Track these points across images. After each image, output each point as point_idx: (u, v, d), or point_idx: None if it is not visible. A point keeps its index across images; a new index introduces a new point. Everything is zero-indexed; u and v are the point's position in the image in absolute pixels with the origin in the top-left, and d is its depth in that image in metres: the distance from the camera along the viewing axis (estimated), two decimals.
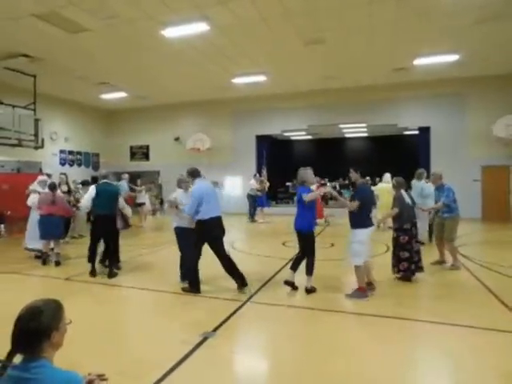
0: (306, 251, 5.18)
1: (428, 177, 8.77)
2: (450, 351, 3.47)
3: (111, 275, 6.06)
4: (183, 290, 5.23)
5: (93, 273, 6.13)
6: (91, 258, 6.22)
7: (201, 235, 5.16)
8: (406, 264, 5.67)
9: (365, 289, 4.92)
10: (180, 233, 5.59)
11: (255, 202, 13.96)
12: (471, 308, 4.57)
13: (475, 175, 13.85)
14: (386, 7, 8.26)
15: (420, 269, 5.79)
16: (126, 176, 12.90)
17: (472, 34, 9.74)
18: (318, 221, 11.32)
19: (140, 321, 4.38)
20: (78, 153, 17.52)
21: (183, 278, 5.61)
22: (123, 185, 11.91)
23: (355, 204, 4.85)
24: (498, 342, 3.60)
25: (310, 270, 5.14)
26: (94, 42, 9.96)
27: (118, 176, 12.51)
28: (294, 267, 5.23)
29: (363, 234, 4.90)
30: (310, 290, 5.12)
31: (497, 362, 3.19)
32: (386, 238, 9.44)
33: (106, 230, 6.23)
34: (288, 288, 5.20)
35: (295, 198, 5.39)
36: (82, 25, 8.82)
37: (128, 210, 6.63)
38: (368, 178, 15.27)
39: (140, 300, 5.19)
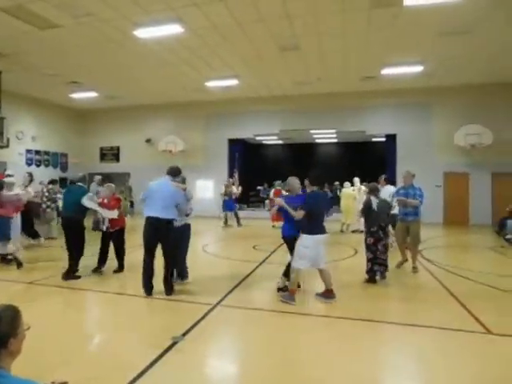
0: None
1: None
2: (414, 351, 3.65)
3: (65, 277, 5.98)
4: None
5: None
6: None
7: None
8: (370, 264, 5.99)
9: (294, 291, 4.98)
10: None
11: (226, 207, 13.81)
12: (432, 309, 4.80)
13: (438, 181, 14.50)
14: (357, 18, 8.57)
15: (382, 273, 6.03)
16: (97, 178, 12.61)
17: (436, 46, 10.25)
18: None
19: (107, 325, 4.33)
20: (46, 153, 16.98)
21: (181, 277, 5.71)
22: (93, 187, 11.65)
23: (301, 213, 4.85)
24: (456, 342, 3.80)
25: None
26: (64, 40, 9.74)
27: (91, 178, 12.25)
28: (287, 274, 5.26)
29: (309, 239, 4.89)
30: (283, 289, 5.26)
31: (458, 362, 3.39)
32: (354, 241, 9.76)
33: (67, 233, 6.14)
34: (258, 291, 5.28)
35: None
36: (52, 21, 8.62)
37: (104, 213, 6.48)
38: (337, 182, 15.67)
39: (108, 304, 5.11)
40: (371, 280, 5.96)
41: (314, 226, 4.92)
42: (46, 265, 7.02)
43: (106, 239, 6.57)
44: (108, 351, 3.58)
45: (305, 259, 4.88)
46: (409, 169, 7.26)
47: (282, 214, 5.30)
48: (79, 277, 6.10)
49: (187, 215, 5.75)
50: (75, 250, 6.10)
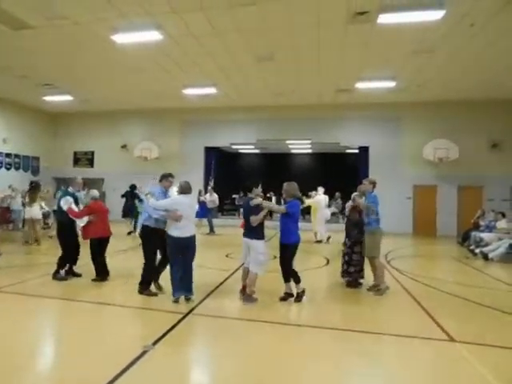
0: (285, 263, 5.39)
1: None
2: (377, 359, 3.75)
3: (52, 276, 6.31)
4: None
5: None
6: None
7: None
8: (346, 266, 6.43)
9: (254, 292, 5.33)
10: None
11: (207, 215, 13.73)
12: (398, 317, 4.97)
13: (408, 193, 14.99)
14: (332, 32, 8.83)
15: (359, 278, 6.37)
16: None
17: (407, 63, 10.69)
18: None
19: (76, 334, 4.24)
20: (17, 156, 16.46)
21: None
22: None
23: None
24: (420, 349, 3.94)
25: (296, 279, 5.40)
26: (37, 41, 9.53)
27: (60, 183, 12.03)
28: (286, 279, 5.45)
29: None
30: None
31: (422, 369, 3.53)
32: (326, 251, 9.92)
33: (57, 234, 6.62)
34: (230, 300, 5.30)
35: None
36: (26, 21, 8.41)
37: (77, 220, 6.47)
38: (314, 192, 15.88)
39: (78, 313, 5.00)
40: (351, 284, 6.28)
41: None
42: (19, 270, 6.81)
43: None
44: (76, 360, 3.50)
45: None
46: (371, 177, 7.03)
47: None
48: (66, 278, 6.34)
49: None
50: (62, 250, 6.42)
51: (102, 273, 6.38)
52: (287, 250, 5.35)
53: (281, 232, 5.40)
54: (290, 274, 5.38)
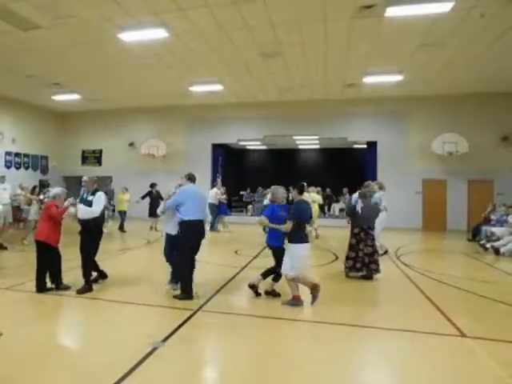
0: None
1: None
2: (391, 355, 3.74)
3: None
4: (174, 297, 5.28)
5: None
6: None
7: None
8: (351, 262, 6.60)
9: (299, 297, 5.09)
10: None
11: (218, 211, 13.29)
12: (409, 313, 4.92)
13: (417, 188, 14.84)
14: (339, 27, 8.74)
15: (373, 271, 6.51)
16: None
17: (415, 56, 10.54)
18: None
19: (86, 332, 4.29)
20: (26, 155, 16.62)
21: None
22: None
23: (289, 225, 4.90)
24: (434, 345, 3.90)
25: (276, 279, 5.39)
26: (46, 41, 9.60)
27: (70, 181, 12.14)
28: (264, 276, 5.40)
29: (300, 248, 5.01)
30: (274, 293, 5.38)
31: (435, 364, 3.50)
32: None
33: None
34: (240, 296, 5.31)
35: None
36: (34, 22, 8.47)
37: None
38: (319, 188, 15.83)
39: (86, 310, 5.04)
40: (347, 274, 6.63)
41: (301, 234, 5.03)
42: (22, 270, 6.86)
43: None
44: (86, 358, 3.54)
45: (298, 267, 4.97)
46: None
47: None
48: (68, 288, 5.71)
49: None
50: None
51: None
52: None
53: None
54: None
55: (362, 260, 6.51)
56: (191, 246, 5.32)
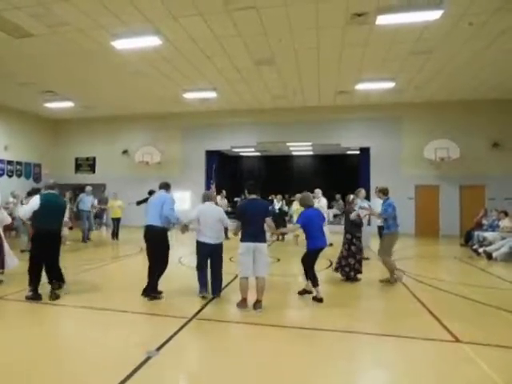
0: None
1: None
2: (384, 360, 3.75)
3: (52, 297, 5.54)
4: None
5: (36, 297, 5.48)
6: (33, 281, 5.50)
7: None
8: (343, 261, 7.01)
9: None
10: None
11: None
12: (403, 318, 4.94)
13: (410, 193, 14.95)
14: (331, 34, 8.84)
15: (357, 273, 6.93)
16: (89, 188, 12.32)
17: (406, 64, 10.69)
18: None
19: (79, 340, 4.24)
20: (18, 163, 16.50)
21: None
22: (87, 198, 11.90)
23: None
24: (427, 351, 3.92)
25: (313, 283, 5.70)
26: (39, 49, 9.59)
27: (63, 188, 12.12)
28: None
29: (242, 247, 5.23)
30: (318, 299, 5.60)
31: (429, 371, 3.51)
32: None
33: (49, 248, 5.57)
34: (235, 304, 5.29)
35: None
36: (27, 30, 8.48)
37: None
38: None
39: (82, 319, 4.99)
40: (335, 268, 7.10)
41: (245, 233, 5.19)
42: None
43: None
44: (80, 367, 3.50)
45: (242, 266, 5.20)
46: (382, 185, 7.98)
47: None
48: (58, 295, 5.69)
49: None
50: (55, 264, 5.84)
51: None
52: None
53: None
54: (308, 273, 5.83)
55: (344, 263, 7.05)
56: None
